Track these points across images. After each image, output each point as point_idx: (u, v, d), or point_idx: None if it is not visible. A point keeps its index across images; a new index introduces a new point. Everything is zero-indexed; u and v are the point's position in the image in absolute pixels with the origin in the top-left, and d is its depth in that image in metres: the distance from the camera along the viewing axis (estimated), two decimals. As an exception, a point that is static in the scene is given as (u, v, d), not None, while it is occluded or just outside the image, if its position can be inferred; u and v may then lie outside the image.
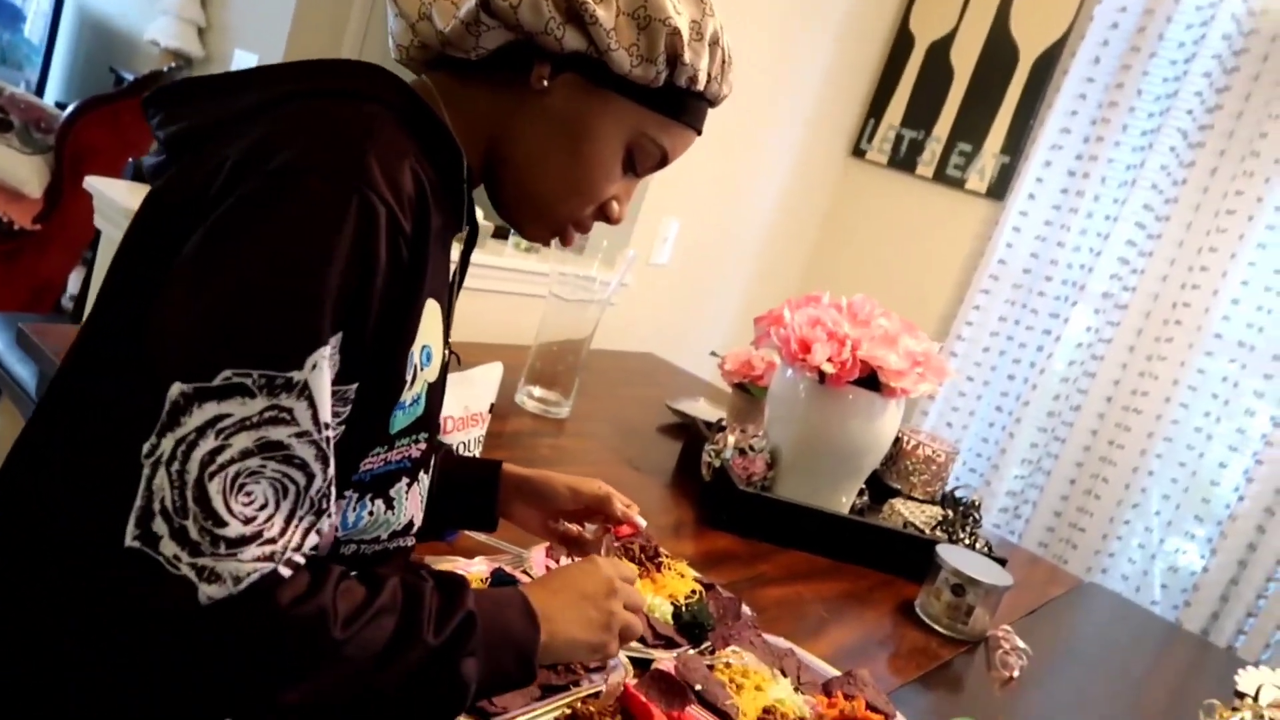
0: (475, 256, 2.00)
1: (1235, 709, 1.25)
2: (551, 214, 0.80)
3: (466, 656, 0.65)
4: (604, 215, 0.82)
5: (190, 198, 0.63)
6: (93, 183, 1.59)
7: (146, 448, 0.55)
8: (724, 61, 0.77)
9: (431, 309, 0.72)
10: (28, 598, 0.58)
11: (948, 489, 1.64)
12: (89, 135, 2.77)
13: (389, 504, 0.73)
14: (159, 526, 0.55)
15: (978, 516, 1.52)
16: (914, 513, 1.51)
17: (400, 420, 0.71)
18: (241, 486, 0.57)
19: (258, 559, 0.57)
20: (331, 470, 0.61)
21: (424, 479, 0.78)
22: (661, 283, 2.51)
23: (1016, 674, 1.22)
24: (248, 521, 0.57)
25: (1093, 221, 2.49)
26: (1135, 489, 2.38)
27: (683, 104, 0.77)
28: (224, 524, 0.56)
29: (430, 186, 0.68)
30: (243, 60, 3.02)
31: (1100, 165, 2.46)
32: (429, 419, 0.75)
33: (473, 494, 0.97)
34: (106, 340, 0.65)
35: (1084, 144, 2.49)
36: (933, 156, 2.74)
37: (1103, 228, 2.47)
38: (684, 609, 1.04)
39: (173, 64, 3.11)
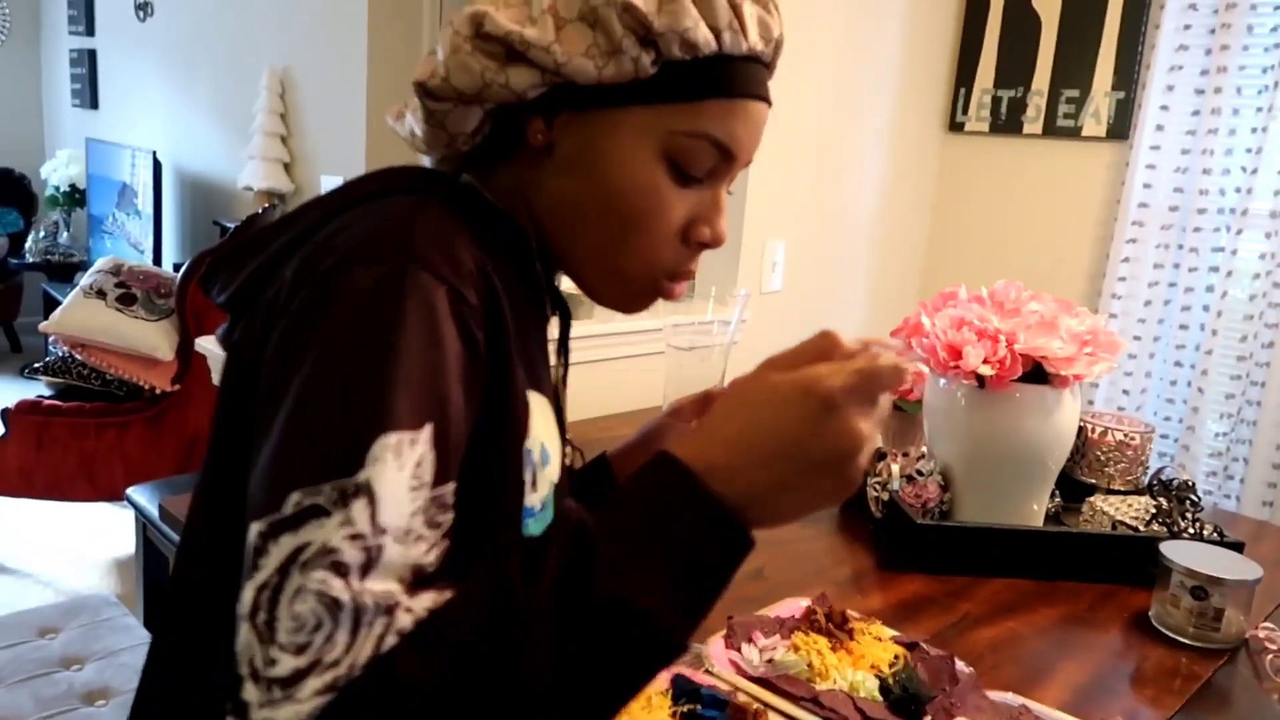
0: (583, 328, 1.96)
1: None
2: (628, 272, 0.68)
3: (599, 587, 0.49)
4: (698, 244, 0.69)
5: (256, 334, 0.59)
6: (203, 344, 1.62)
7: (237, 604, 0.49)
8: (732, 5, 0.63)
9: (538, 402, 0.64)
10: None
11: (1151, 473, 1.45)
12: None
13: None
14: (249, 693, 0.47)
15: (1196, 498, 1.34)
16: (1119, 509, 1.34)
17: (534, 529, 0.63)
18: (293, 612, 0.48)
19: (318, 692, 0.47)
20: (374, 584, 0.49)
21: None
22: (779, 309, 2.39)
23: (1295, 680, 1.04)
24: (300, 651, 0.47)
25: (1237, 138, 2.24)
26: (1361, 419, 2.10)
27: (706, 77, 0.63)
28: (273, 662, 0.47)
29: (497, 271, 0.62)
30: (329, 185, 3.11)
31: (1231, 75, 2.22)
32: None
33: (596, 500, 0.87)
34: (214, 499, 0.62)
35: (1206, 56, 2.25)
36: (1038, 111, 2.55)
37: (1250, 141, 2.22)
38: (891, 681, 0.92)
39: (267, 204, 3.23)
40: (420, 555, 0.52)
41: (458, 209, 0.64)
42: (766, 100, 0.67)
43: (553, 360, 0.77)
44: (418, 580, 0.52)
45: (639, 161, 0.64)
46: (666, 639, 0.50)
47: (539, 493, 0.64)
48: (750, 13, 0.64)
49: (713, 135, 0.64)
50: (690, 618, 0.51)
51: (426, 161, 0.73)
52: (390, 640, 0.49)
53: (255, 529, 0.50)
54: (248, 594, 0.49)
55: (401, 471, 0.51)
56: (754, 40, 0.64)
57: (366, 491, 0.49)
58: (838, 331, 0.56)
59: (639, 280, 0.69)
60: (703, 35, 0.62)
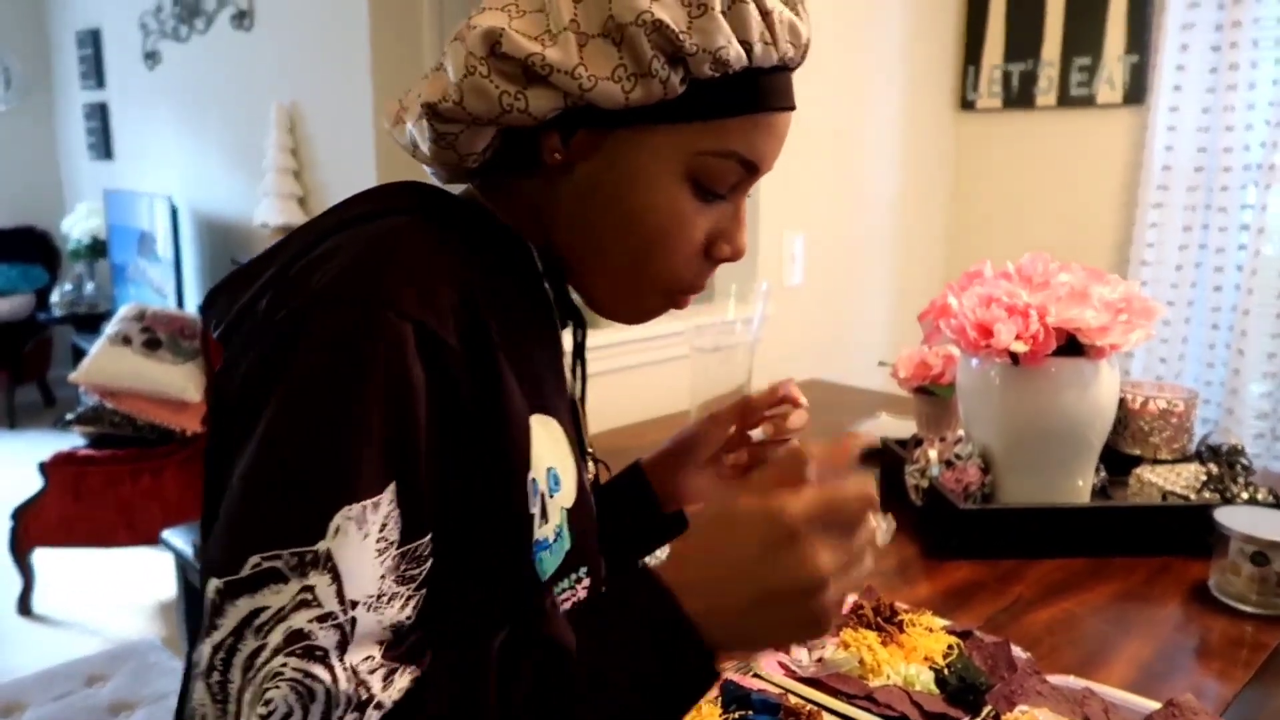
0: (602, 336, 1.94)
1: None
2: (646, 288, 0.66)
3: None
4: (717, 258, 0.67)
5: (231, 370, 0.58)
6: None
7: (194, 657, 0.49)
8: (764, 14, 0.59)
9: (545, 425, 0.62)
10: None
11: (1197, 439, 1.41)
12: (228, 329, 2.91)
13: None
14: None
15: (1247, 462, 1.30)
16: (1168, 478, 1.30)
17: (549, 562, 0.61)
18: (263, 694, 0.47)
19: None
20: (354, 656, 0.49)
21: None
22: (803, 303, 2.37)
23: (1369, 642, 1.00)
24: None
25: (1258, 91, 2.19)
26: None
27: (735, 93, 0.60)
28: None
29: (491, 296, 0.60)
30: (343, 215, 3.12)
31: (1246, 29, 2.17)
32: (582, 551, 0.64)
33: (632, 509, 0.87)
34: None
35: (1220, 11, 2.21)
36: (1050, 83, 2.50)
37: (1272, 93, 2.17)
38: (947, 672, 0.89)
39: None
40: (396, 614, 0.52)
41: (452, 229, 0.62)
42: (793, 108, 0.65)
43: (569, 375, 0.75)
44: (398, 636, 0.52)
45: (662, 183, 0.62)
46: None
47: (550, 522, 0.61)
48: (780, 19, 0.60)
49: (740, 153, 0.62)
50: None
51: (429, 170, 0.71)
52: None
53: (213, 586, 0.49)
54: (205, 650, 0.49)
55: (366, 540, 0.50)
56: (784, 49, 0.61)
57: (329, 567, 0.49)
58: (800, 447, 0.56)
59: (654, 296, 0.67)
60: (735, 52, 0.59)
